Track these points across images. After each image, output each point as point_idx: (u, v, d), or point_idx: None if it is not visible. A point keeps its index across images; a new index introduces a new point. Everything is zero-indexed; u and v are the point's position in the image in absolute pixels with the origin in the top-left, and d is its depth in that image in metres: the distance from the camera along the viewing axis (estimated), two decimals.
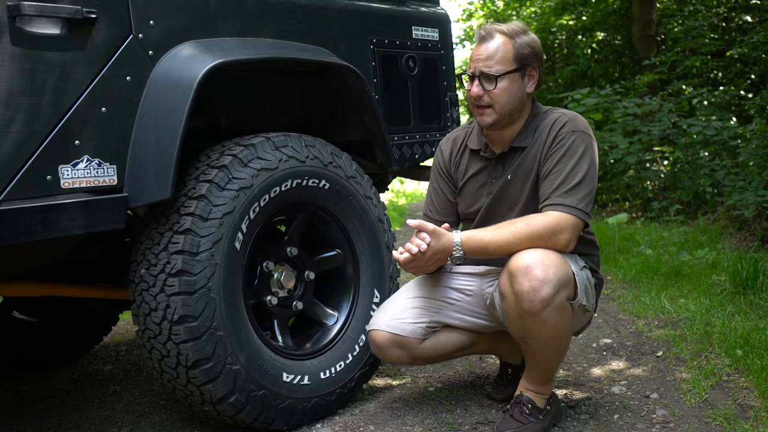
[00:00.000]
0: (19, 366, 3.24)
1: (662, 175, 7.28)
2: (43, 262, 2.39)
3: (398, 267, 2.63)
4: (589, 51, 10.99)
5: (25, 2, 1.78)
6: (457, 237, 2.06)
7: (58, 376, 3.17)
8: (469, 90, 2.14)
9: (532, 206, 2.14)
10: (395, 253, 2.10)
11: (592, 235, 2.29)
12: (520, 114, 2.18)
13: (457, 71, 2.38)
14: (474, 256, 2.09)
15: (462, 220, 2.38)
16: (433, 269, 2.19)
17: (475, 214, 2.28)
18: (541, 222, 2.01)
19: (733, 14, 9.71)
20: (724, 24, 9.64)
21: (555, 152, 2.10)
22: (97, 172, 1.93)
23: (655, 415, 2.21)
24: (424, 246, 2.03)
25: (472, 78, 2.15)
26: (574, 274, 2.03)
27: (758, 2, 9.09)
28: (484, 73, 2.11)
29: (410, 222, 2.04)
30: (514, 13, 12.74)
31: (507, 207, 2.21)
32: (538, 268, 1.93)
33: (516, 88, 2.14)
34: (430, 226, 2.05)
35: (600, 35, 11.05)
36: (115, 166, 1.97)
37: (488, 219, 2.23)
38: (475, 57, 2.14)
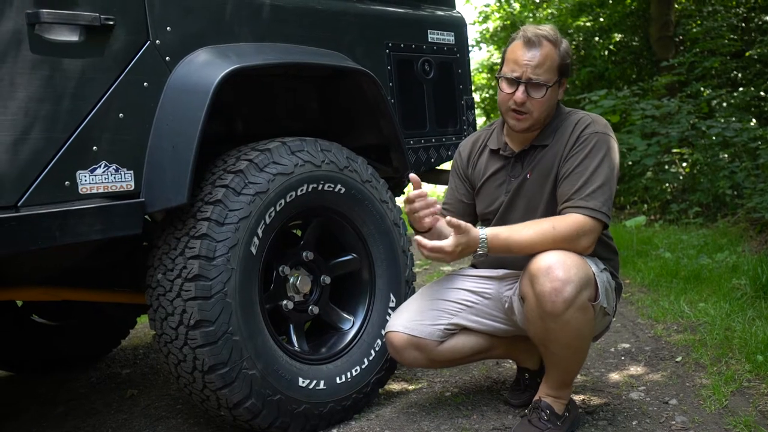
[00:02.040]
0: (38, 369, 3.27)
1: (681, 177, 7.21)
2: (61, 266, 2.41)
3: (416, 264, 2.63)
4: (606, 52, 10.92)
5: (44, 10, 1.80)
6: (483, 233, 2.05)
7: (76, 379, 3.20)
8: (510, 93, 2.10)
9: (553, 207, 2.14)
10: (420, 238, 2.02)
11: (611, 239, 2.28)
12: (549, 118, 2.19)
13: (475, 76, 2.37)
14: (497, 253, 2.08)
15: (480, 220, 2.37)
16: (456, 260, 2.17)
17: (493, 214, 2.28)
18: (566, 224, 2.01)
19: (753, 14, 9.60)
20: (743, 24, 9.54)
21: (577, 153, 2.09)
22: (114, 178, 1.95)
23: (674, 422, 2.19)
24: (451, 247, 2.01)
25: (514, 82, 2.11)
26: (594, 275, 2.02)
27: None
28: (533, 81, 2.08)
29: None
30: (530, 15, 12.70)
31: (525, 206, 2.21)
32: (559, 268, 1.92)
33: (555, 96, 2.16)
34: (459, 222, 2.02)
35: (617, 36, 10.97)
36: (132, 172, 1.99)
37: (506, 218, 2.23)
38: (523, 62, 2.08)
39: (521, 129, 2.15)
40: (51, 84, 1.83)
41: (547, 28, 2.13)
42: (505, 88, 2.13)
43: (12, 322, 3.11)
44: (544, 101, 2.10)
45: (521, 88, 2.09)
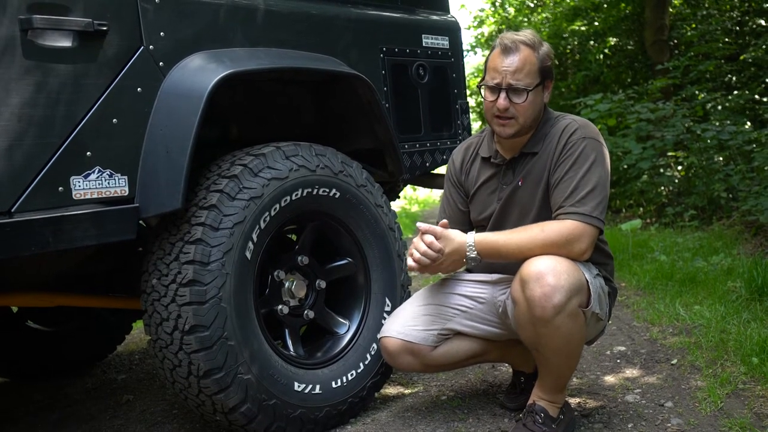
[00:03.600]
0: (33, 375, 3.26)
1: (676, 181, 7.23)
2: (55, 272, 2.40)
3: (410, 275, 2.63)
4: (601, 56, 10.95)
5: (37, 16, 1.80)
6: (471, 238, 2.07)
7: (72, 385, 3.19)
8: (493, 101, 2.11)
9: (545, 214, 2.14)
10: (408, 264, 2.12)
11: (605, 244, 2.28)
12: (536, 122, 2.18)
13: (470, 80, 2.38)
14: (487, 257, 2.09)
15: (475, 227, 2.38)
16: (451, 270, 2.20)
17: (486, 220, 2.28)
18: (555, 229, 2.01)
19: (747, 18, 9.65)
20: (737, 28, 9.58)
21: (566, 159, 2.09)
22: (108, 183, 1.95)
23: (669, 424, 2.19)
24: (434, 255, 2.05)
25: (495, 90, 2.11)
26: (587, 281, 2.02)
27: None
28: (513, 86, 2.08)
29: (420, 225, 2.07)
30: (525, 19, 12.73)
31: (518, 213, 2.21)
32: (550, 274, 1.93)
33: (539, 99, 2.15)
34: (439, 229, 2.06)
35: (612, 41, 11.01)
36: (126, 177, 1.99)
37: (500, 225, 2.23)
38: (502, 69, 2.09)
39: (508, 135, 2.14)
40: (44, 89, 1.83)
41: (525, 33, 2.14)
42: (488, 96, 2.13)
43: (7, 328, 3.10)
44: (527, 105, 2.10)
45: (503, 95, 2.09)
